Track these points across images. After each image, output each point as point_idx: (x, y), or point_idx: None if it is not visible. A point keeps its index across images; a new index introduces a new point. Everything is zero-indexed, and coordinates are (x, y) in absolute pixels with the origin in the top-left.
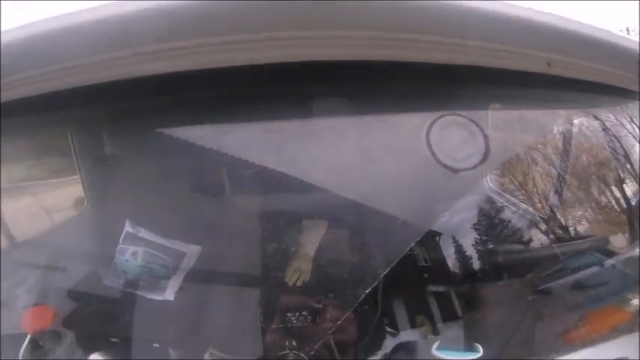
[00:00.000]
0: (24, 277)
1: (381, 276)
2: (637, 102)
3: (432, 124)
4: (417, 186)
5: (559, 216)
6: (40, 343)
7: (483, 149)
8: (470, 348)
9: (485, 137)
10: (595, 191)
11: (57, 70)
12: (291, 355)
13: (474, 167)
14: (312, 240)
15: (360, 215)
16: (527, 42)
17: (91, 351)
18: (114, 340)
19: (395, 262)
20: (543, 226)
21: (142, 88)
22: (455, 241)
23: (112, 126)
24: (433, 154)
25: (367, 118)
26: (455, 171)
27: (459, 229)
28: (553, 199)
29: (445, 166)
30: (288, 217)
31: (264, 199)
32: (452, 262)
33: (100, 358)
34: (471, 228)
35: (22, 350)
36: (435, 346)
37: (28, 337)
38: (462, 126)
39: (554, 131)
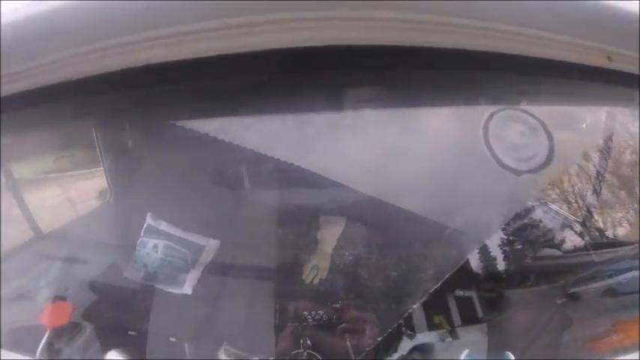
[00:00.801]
0: (46, 269)
1: (431, 290)
2: None
3: (489, 118)
4: (474, 189)
5: (596, 217)
6: (59, 336)
7: (547, 149)
8: (500, 356)
9: (550, 136)
10: (638, 191)
11: (76, 56)
12: (305, 354)
13: (538, 169)
14: (329, 237)
15: (405, 222)
16: (585, 32)
17: (109, 343)
18: (131, 333)
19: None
20: (578, 228)
21: (162, 77)
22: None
23: (135, 118)
24: (492, 152)
25: (409, 109)
26: (518, 173)
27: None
28: (591, 199)
29: (506, 167)
30: (307, 213)
31: (284, 193)
32: (475, 262)
33: (117, 357)
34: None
35: (41, 345)
36: (463, 355)
37: (47, 332)
38: (523, 122)
39: (594, 127)
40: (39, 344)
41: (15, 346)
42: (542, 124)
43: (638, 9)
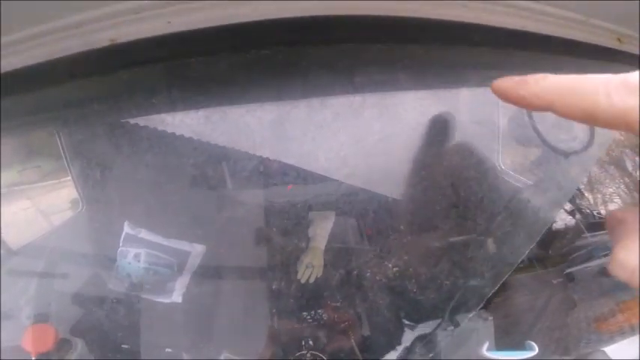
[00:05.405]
0: (24, 286)
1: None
2: None
3: None
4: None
5: (587, 194)
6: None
7: (588, 129)
8: (523, 347)
9: None
10: (629, 165)
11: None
12: (308, 355)
13: (584, 150)
14: (321, 233)
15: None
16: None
17: (103, 358)
18: (125, 346)
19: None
20: (569, 207)
21: (130, 59)
22: None
23: (101, 122)
24: (538, 133)
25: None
26: (565, 155)
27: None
28: None
29: (555, 149)
30: (295, 210)
31: (269, 191)
32: None
33: None
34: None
35: None
36: (484, 347)
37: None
38: None
39: None
40: None
41: None
42: None
43: None
